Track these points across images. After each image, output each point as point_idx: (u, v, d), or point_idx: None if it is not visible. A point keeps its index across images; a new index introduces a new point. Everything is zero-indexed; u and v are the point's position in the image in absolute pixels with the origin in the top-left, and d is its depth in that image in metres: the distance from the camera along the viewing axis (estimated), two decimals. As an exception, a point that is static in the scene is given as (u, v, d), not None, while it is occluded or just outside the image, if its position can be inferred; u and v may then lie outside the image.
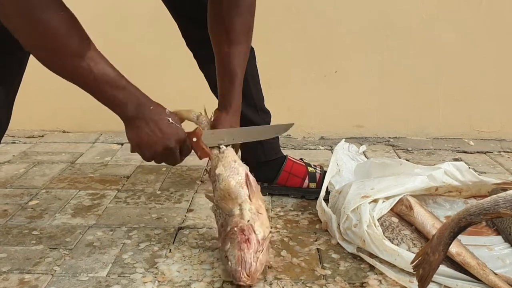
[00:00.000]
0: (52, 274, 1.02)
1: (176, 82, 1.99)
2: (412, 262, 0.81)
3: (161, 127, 0.93)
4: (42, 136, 2.01)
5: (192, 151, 1.06)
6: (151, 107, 0.93)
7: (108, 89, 0.88)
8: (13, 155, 1.78)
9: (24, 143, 1.93)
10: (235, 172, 1.06)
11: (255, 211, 1.01)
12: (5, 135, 1.96)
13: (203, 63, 1.36)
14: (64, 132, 2.06)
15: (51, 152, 1.81)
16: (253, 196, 1.03)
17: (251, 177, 1.06)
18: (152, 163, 1.02)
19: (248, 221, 0.99)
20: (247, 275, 0.93)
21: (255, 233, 0.98)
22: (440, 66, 1.95)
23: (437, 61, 1.95)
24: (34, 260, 1.08)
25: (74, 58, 0.85)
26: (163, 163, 1.01)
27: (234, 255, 0.95)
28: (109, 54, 1.94)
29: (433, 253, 0.76)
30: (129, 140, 0.96)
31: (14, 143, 1.93)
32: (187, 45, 1.34)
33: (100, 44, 2.02)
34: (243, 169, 1.08)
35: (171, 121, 0.94)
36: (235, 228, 0.98)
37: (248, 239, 0.97)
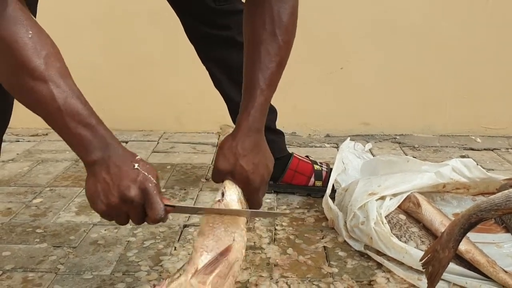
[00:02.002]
0: (56, 273, 1.01)
1: (182, 79, 1.98)
2: (421, 260, 0.79)
3: (122, 172, 0.73)
4: (46, 134, 2.00)
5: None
6: (119, 152, 0.75)
7: (74, 124, 0.73)
8: (17, 154, 1.77)
9: (28, 141, 1.92)
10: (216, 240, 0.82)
11: (192, 278, 0.78)
12: (9, 134, 1.97)
13: (206, 59, 1.35)
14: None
15: (55, 151, 1.80)
16: (201, 277, 0.78)
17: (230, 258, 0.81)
18: None
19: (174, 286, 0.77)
20: None
21: None
22: (447, 63, 1.93)
23: (444, 58, 1.93)
24: (38, 258, 1.07)
25: (35, 81, 0.71)
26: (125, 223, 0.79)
27: None
28: (114, 52, 1.96)
29: (443, 250, 0.74)
30: (85, 191, 0.77)
31: (18, 141, 1.92)
32: (190, 40, 1.33)
33: (104, 42, 2.01)
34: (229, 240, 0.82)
35: (137, 167, 0.74)
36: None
37: None
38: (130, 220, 0.77)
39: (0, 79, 0.75)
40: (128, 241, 1.14)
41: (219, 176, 0.87)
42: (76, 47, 1.96)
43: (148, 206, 0.74)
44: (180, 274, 0.79)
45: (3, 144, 1.86)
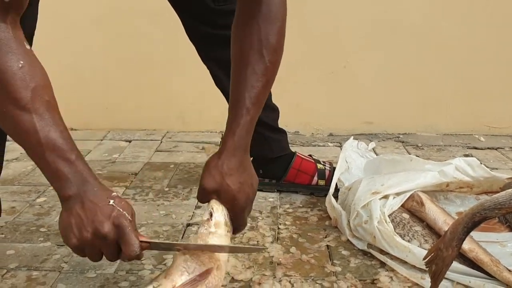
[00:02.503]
0: (59, 271, 1.02)
1: (185, 79, 1.98)
2: (424, 258, 0.79)
3: (97, 208, 0.73)
4: (50, 133, 2.01)
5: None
6: (95, 188, 0.74)
7: (53, 158, 0.72)
8: (21, 153, 1.77)
9: (32, 140, 1.93)
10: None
11: None
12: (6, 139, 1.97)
13: (206, 58, 1.35)
14: (71, 129, 2.05)
15: (59, 150, 1.81)
16: None
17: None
18: None
19: None
20: None
21: None
22: (447, 62, 1.93)
23: (445, 57, 1.93)
24: (41, 257, 1.07)
25: (19, 111, 0.71)
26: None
27: None
28: (116, 52, 1.96)
29: (446, 249, 0.74)
30: (59, 225, 0.76)
31: (22, 140, 1.92)
32: (190, 40, 1.33)
33: (106, 42, 2.01)
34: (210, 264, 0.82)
35: (112, 203, 0.74)
36: None
37: None
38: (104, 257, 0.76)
39: None
40: (132, 239, 1.14)
41: (204, 195, 0.87)
42: (77, 48, 1.97)
43: (122, 242, 0.74)
44: (154, 287, 0.78)
45: (7, 143, 1.87)
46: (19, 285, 0.97)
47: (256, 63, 0.87)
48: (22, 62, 0.71)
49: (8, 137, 1.04)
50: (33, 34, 1.00)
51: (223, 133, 0.90)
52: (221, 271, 0.82)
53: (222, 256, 0.83)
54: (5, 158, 1.56)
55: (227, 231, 0.86)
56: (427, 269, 0.79)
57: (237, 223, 0.88)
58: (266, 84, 0.89)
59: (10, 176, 1.55)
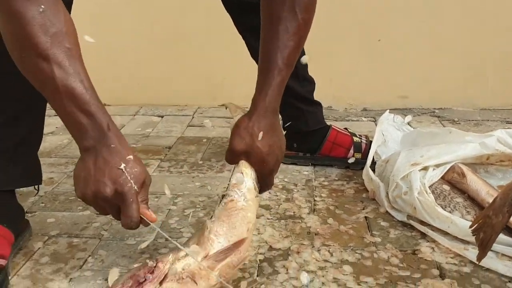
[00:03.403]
0: (100, 238, 1.03)
1: (216, 54, 1.97)
2: (471, 226, 0.77)
3: (107, 168, 0.71)
4: (84, 109, 2.03)
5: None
6: (112, 145, 0.72)
7: (71, 108, 0.70)
8: (56, 127, 1.79)
9: (67, 116, 1.95)
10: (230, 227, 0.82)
11: (192, 273, 0.76)
12: (47, 108, 1.99)
13: (242, 28, 1.33)
14: (104, 105, 2.06)
15: (93, 124, 1.82)
16: (212, 262, 0.77)
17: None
18: None
19: (172, 272, 0.75)
20: None
21: (159, 284, 0.74)
22: (489, 33, 1.86)
23: (486, 27, 1.86)
24: (81, 225, 1.09)
25: (37, 58, 0.69)
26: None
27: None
28: (148, 28, 1.96)
29: (496, 215, 0.72)
30: (73, 171, 0.77)
31: (56, 115, 1.95)
32: (227, 10, 1.31)
33: (138, 17, 2.00)
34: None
35: (123, 167, 0.72)
36: (159, 264, 0.77)
37: (141, 282, 0.74)
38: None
39: (8, 49, 0.73)
40: (169, 209, 1.15)
41: (234, 156, 0.86)
42: (109, 24, 1.97)
43: (122, 211, 0.74)
44: (186, 254, 0.78)
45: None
46: (61, 251, 0.99)
47: (289, 21, 0.84)
48: (43, 7, 0.69)
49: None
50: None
51: (254, 94, 0.88)
52: (250, 235, 0.84)
53: (251, 219, 0.84)
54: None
55: (255, 196, 0.87)
56: (474, 237, 0.77)
57: (264, 184, 0.88)
58: (298, 44, 0.86)
59: (46, 149, 1.57)
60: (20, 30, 0.68)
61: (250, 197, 0.85)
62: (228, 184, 0.86)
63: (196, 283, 0.75)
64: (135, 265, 0.80)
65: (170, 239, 0.81)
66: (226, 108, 0.98)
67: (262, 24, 0.88)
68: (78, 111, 0.71)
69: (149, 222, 0.77)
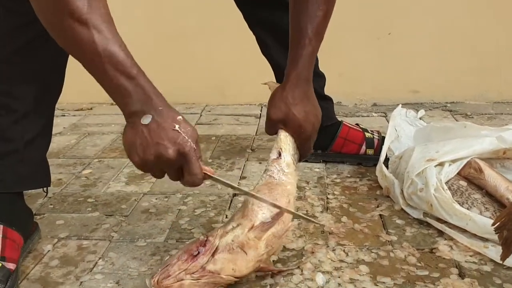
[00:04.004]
0: (110, 240, 1.01)
1: (223, 52, 1.95)
2: (493, 224, 0.74)
3: (162, 131, 0.71)
4: (91, 108, 2.02)
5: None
6: (160, 108, 0.72)
7: (114, 73, 0.70)
8: (64, 127, 1.79)
9: (74, 115, 1.94)
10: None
11: (242, 244, 0.80)
12: (55, 108, 1.99)
13: (253, 23, 1.30)
14: (112, 104, 2.03)
15: (100, 124, 1.81)
16: (258, 232, 0.81)
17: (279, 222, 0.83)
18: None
19: (223, 244, 0.80)
20: (156, 282, 0.77)
21: (207, 260, 0.78)
22: (501, 25, 1.83)
23: (499, 20, 1.82)
24: (91, 226, 1.07)
25: (76, 22, 0.68)
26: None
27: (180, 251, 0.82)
28: (155, 25, 1.94)
29: (520, 213, 0.69)
30: (123, 140, 0.75)
31: (64, 116, 1.94)
32: (237, 5, 1.29)
33: (145, 14, 1.98)
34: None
35: (178, 128, 0.72)
36: (210, 237, 0.81)
37: (195, 255, 0.79)
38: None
39: (42, 19, 0.72)
40: (179, 209, 1.13)
41: (272, 125, 0.90)
42: (116, 22, 1.95)
43: (185, 170, 0.74)
44: (233, 227, 0.82)
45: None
46: (71, 253, 0.97)
47: None
48: None
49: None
50: None
51: (287, 65, 0.90)
52: (292, 207, 0.87)
53: (292, 191, 0.87)
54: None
55: (294, 169, 0.90)
56: (497, 235, 0.74)
57: (302, 151, 0.91)
58: (326, 14, 0.88)
59: (54, 150, 1.55)
60: None
61: (289, 171, 0.88)
62: (268, 159, 0.90)
63: (246, 253, 0.79)
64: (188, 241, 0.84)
65: (226, 182, 0.84)
66: (269, 87, 0.99)
67: (291, 1, 0.90)
68: (121, 74, 0.70)
69: (211, 175, 0.78)
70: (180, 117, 0.74)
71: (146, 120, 0.72)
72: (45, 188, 1.04)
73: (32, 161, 0.98)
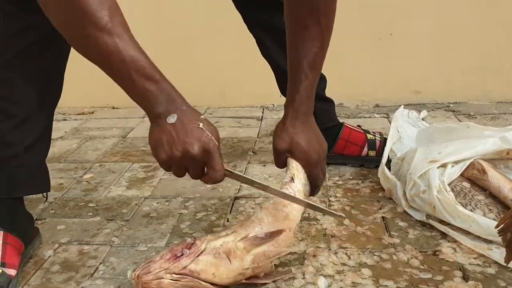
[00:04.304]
0: (110, 245, 1.01)
1: (224, 54, 1.94)
2: (497, 226, 0.73)
3: (188, 129, 0.74)
4: (92, 112, 2.02)
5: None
6: (184, 107, 0.76)
7: (138, 77, 0.73)
8: (65, 132, 1.78)
9: (75, 120, 1.94)
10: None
11: (228, 251, 0.80)
12: (56, 113, 1.97)
13: (252, 25, 1.29)
14: (113, 108, 2.05)
15: (102, 128, 1.81)
16: (248, 244, 0.81)
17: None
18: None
19: (210, 247, 0.80)
20: (136, 276, 0.78)
21: (192, 261, 0.78)
22: (504, 25, 1.81)
23: (501, 19, 1.81)
24: (92, 231, 1.07)
25: (99, 32, 0.71)
26: (180, 176, 0.79)
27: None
28: (156, 28, 1.94)
29: (524, 214, 0.68)
30: (149, 139, 0.78)
31: (65, 120, 1.94)
32: (236, 7, 1.28)
33: (146, 16, 1.98)
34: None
35: (202, 126, 0.75)
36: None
37: (178, 256, 0.79)
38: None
39: (64, 32, 0.74)
40: (180, 213, 1.12)
41: (279, 156, 0.91)
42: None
43: (209, 166, 0.76)
44: (227, 234, 0.82)
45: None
46: (72, 258, 0.97)
47: (312, 29, 0.89)
48: None
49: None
50: None
51: (285, 102, 0.93)
52: (292, 234, 0.86)
53: (296, 218, 0.86)
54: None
55: (303, 197, 0.89)
56: (500, 237, 0.73)
57: (313, 178, 0.91)
58: (321, 48, 0.91)
59: (56, 154, 1.55)
60: (78, 8, 0.70)
61: (299, 197, 0.87)
62: (281, 182, 0.89)
63: (230, 261, 0.80)
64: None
65: (247, 178, 0.84)
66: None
67: (287, 32, 0.92)
68: (145, 79, 0.74)
69: (232, 171, 0.80)
70: (202, 116, 0.78)
71: (172, 119, 0.74)
72: (44, 194, 1.04)
73: (31, 166, 0.98)
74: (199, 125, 0.75)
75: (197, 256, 0.79)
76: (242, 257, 0.80)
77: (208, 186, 1.27)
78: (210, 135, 0.75)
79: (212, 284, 0.79)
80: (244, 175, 0.84)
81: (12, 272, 0.86)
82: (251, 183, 0.85)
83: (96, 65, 0.75)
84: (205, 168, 0.77)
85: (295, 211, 0.86)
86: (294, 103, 0.90)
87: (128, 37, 0.73)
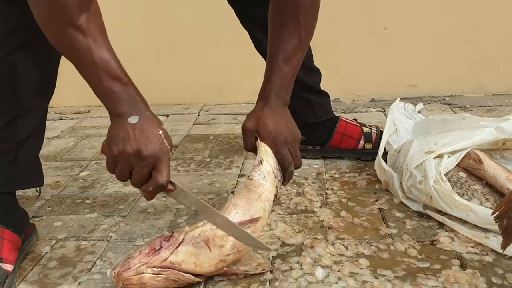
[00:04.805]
0: (108, 240, 1.01)
1: (219, 52, 1.94)
2: (493, 213, 0.73)
3: (146, 131, 0.76)
4: (88, 111, 2.01)
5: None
6: (148, 113, 0.78)
7: (106, 78, 0.76)
8: (61, 130, 1.78)
9: (71, 119, 1.94)
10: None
11: (207, 239, 0.80)
12: (52, 112, 1.98)
13: (246, 20, 1.29)
14: (109, 106, 2.05)
15: (98, 126, 1.81)
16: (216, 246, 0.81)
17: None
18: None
19: (189, 237, 0.80)
20: (116, 274, 0.78)
21: (171, 253, 0.79)
22: (498, 16, 1.82)
23: (496, 12, 1.81)
24: (89, 227, 1.07)
25: (75, 31, 0.74)
26: (126, 181, 0.79)
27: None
28: (151, 26, 1.93)
29: (520, 200, 0.68)
30: (107, 134, 0.79)
31: (62, 119, 1.94)
32: (229, 3, 1.28)
33: (141, 15, 1.98)
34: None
35: (161, 133, 0.77)
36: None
37: (157, 249, 0.79)
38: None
39: (42, 26, 0.77)
40: (178, 208, 1.12)
41: (247, 136, 0.94)
42: (112, 22, 1.94)
43: (156, 169, 0.77)
44: (205, 223, 0.83)
45: (47, 122, 1.88)
46: (69, 254, 0.97)
47: (292, 26, 0.93)
48: None
49: (48, 116, 1.06)
50: None
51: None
52: (267, 214, 0.88)
53: (269, 198, 0.89)
54: (46, 135, 1.58)
55: (273, 179, 0.91)
56: (497, 224, 0.73)
57: (281, 159, 0.92)
58: (299, 45, 0.94)
59: (52, 153, 1.55)
60: (60, 7, 0.73)
61: (269, 179, 0.90)
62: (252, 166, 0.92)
63: (210, 249, 0.80)
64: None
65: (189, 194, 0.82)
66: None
67: (269, 29, 0.96)
68: (113, 80, 0.76)
69: (177, 186, 0.80)
70: (163, 126, 0.80)
71: (133, 120, 0.76)
72: (38, 188, 1.04)
73: (25, 160, 0.98)
74: (158, 131, 0.77)
75: (176, 247, 0.79)
76: (222, 244, 0.81)
77: (205, 181, 1.27)
78: (166, 143, 0.77)
79: (194, 274, 0.80)
80: (188, 193, 0.81)
81: (9, 267, 0.86)
82: (191, 203, 0.82)
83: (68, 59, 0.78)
84: (152, 173, 0.77)
85: (267, 191, 0.89)
86: (264, 91, 0.94)
87: (102, 40, 0.76)
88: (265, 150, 0.91)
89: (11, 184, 0.97)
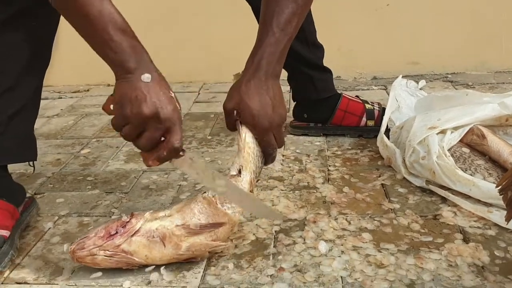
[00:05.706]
0: (110, 216, 1.01)
1: (219, 29, 1.92)
2: (497, 186, 0.73)
3: (162, 92, 0.73)
4: (88, 90, 2.00)
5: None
6: (158, 73, 0.75)
7: (114, 32, 0.72)
8: (61, 109, 1.77)
9: (71, 97, 1.92)
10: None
11: (164, 236, 0.78)
12: (51, 91, 1.97)
13: None
14: (108, 85, 2.03)
15: (98, 105, 1.79)
16: (185, 233, 0.79)
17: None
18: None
19: (145, 228, 0.78)
20: (72, 251, 0.78)
21: (125, 241, 0.77)
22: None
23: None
24: (91, 203, 1.06)
25: None
26: (134, 144, 0.76)
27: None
28: (151, 3, 1.90)
29: (525, 173, 0.68)
30: (115, 92, 0.75)
31: (61, 98, 1.92)
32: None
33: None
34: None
35: (173, 95, 0.75)
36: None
37: (112, 234, 0.78)
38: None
39: None
40: (180, 185, 1.12)
41: (228, 117, 0.85)
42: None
43: (171, 132, 0.74)
44: (165, 215, 0.80)
45: (47, 101, 1.87)
46: (72, 230, 0.96)
47: None
48: None
49: (47, 95, 1.02)
50: None
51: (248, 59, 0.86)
52: (229, 229, 0.83)
53: (234, 217, 0.82)
54: (46, 114, 1.57)
55: (251, 183, 0.84)
56: (501, 196, 0.73)
57: (263, 146, 0.84)
58: (295, 11, 0.84)
59: (52, 131, 1.54)
60: None
61: (246, 188, 0.83)
62: (228, 173, 0.85)
63: (164, 246, 0.78)
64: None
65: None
66: (234, 79, 0.94)
67: None
68: (121, 33, 0.73)
69: (188, 154, 0.78)
70: (172, 90, 0.77)
71: (146, 79, 0.73)
72: (31, 163, 1.01)
73: (16, 134, 0.94)
74: (170, 93, 0.74)
75: (131, 236, 0.77)
76: (178, 243, 0.78)
77: (207, 158, 1.27)
78: (179, 106, 0.75)
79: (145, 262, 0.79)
80: (202, 163, 0.79)
81: (4, 233, 0.85)
82: (203, 172, 0.79)
83: (71, 19, 0.74)
84: (164, 137, 0.74)
85: (237, 198, 0.82)
86: (254, 57, 0.83)
87: (108, 1, 0.73)
88: (245, 140, 0.83)
89: (2, 157, 0.94)
